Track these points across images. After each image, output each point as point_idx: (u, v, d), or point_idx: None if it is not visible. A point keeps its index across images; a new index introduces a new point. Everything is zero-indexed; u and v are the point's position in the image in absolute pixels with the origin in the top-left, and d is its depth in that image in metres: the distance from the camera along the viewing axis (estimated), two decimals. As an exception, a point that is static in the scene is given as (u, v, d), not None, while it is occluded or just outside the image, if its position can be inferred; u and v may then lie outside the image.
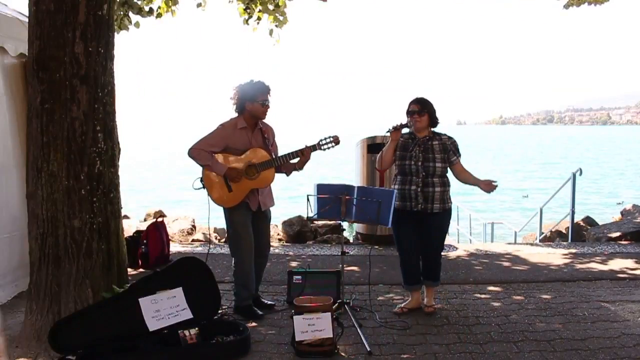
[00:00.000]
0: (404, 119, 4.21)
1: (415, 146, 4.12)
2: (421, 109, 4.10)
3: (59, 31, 3.52)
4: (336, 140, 4.15)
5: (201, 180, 4.12)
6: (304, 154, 4.14)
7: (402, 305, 4.34)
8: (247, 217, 4.14)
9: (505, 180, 33.79)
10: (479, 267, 5.75)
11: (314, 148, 4.15)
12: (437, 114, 4.19)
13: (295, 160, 4.19)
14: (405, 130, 4.20)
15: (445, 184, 4.14)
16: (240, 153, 4.11)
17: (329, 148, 4.15)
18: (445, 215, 4.17)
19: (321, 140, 4.16)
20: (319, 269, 4.93)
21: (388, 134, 4.21)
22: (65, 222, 3.60)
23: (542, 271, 5.54)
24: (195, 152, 4.05)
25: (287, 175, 4.29)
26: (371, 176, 7.01)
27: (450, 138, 4.21)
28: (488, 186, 4.11)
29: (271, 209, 4.42)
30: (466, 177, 4.20)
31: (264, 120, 4.24)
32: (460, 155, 4.21)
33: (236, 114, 4.18)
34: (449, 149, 4.15)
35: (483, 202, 24.20)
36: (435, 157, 4.08)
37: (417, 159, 4.08)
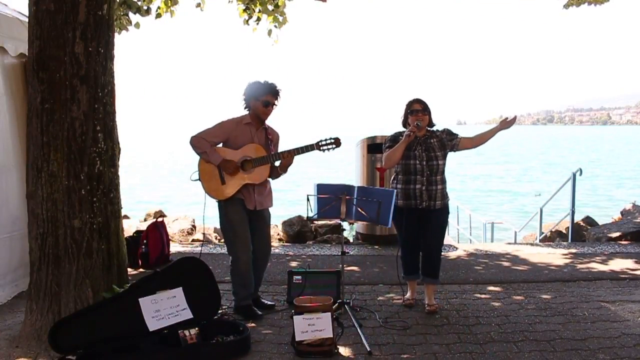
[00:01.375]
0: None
1: (417, 145, 4.18)
2: (424, 108, 4.19)
3: (59, 31, 3.52)
4: (337, 143, 4.07)
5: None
6: (287, 156, 4.08)
7: (408, 297, 4.42)
8: (243, 215, 4.11)
9: (506, 180, 33.83)
10: (479, 267, 5.75)
11: (312, 147, 4.07)
12: (436, 114, 4.29)
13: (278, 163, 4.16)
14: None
15: (444, 181, 4.24)
16: (239, 147, 4.11)
17: (328, 149, 4.07)
18: (445, 210, 4.29)
19: (321, 141, 4.09)
20: (319, 269, 4.94)
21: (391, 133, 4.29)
22: (65, 222, 3.60)
23: (542, 271, 5.54)
24: (196, 140, 4.07)
25: (273, 178, 4.27)
26: (371, 176, 7.01)
27: (442, 131, 4.30)
28: (507, 124, 4.12)
29: (271, 209, 4.39)
30: (481, 138, 4.19)
31: (272, 127, 4.25)
32: (457, 135, 4.26)
33: (246, 111, 4.20)
34: (446, 139, 4.23)
35: (483, 203, 24.21)
36: (437, 155, 4.16)
37: (422, 159, 4.15)
